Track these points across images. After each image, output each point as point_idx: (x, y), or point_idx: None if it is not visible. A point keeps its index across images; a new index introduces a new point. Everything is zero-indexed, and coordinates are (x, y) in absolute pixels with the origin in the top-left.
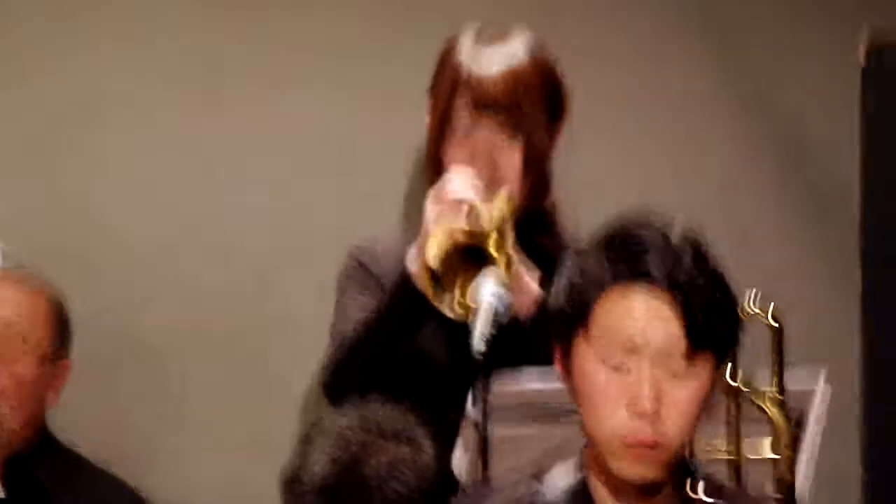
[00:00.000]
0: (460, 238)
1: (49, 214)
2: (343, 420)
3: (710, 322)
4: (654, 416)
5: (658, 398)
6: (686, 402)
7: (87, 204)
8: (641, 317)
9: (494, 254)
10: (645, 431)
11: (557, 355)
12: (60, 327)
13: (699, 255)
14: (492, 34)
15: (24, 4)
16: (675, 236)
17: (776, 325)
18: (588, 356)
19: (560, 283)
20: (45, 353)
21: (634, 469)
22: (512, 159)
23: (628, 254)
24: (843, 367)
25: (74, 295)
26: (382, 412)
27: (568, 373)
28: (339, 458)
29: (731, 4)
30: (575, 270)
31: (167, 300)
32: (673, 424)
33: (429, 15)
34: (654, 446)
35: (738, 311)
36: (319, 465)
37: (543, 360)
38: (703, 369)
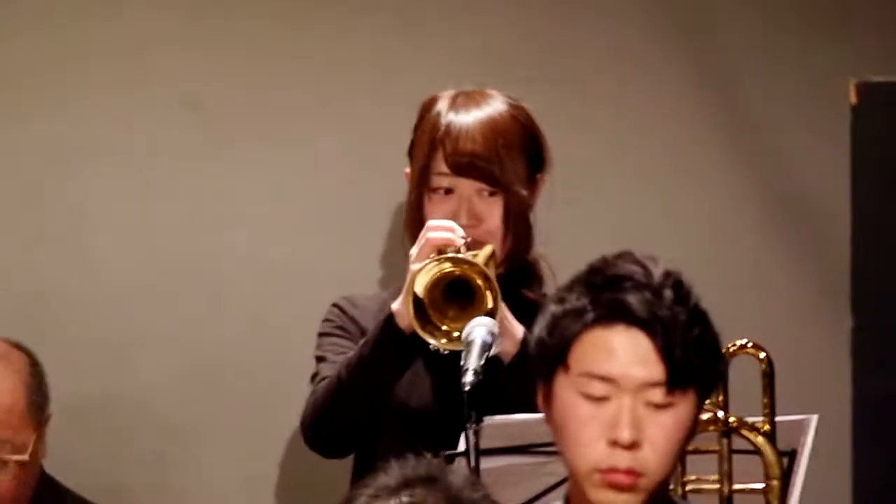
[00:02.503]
0: (449, 268)
1: (40, 257)
2: (389, 479)
3: (691, 358)
4: (633, 447)
5: (637, 429)
6: (666, 434)
7: (78, 248)
8: (621, 353)
9: (481, 285)
10: (623, 461)
11: (540, 392)
12: (40, 396)
13: (680, 291)
14: (469, 93)
15: (17, 47)
16: (657, 273)
17: (765, 358)
18: (568, 391)
19: (542, 319)
20: (36, 443)
21: (614, 500)
22: (493, 214)
23: (609, 290)
24: (833, 405)
25: (66, 335)
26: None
27: (549, 409)
28: None
29: (721, 48)
30: (557, 307)
31: (157, 342)
32: (652, 455)
33: (420, 74)
34: (632, 476)
35: (720, 347)
36: None
37: (526, 401)
38: (684, 403)
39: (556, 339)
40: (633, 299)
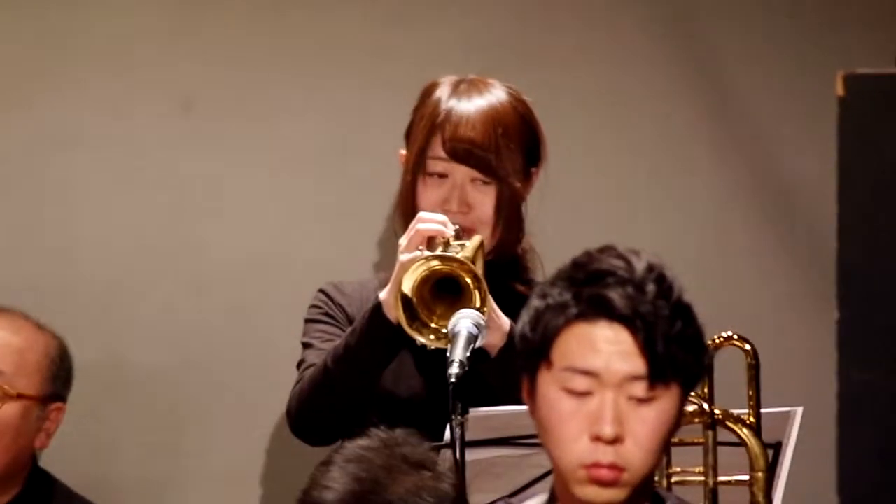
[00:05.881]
0: (435, 265)
1: (27, 247)
2: (365, 442)
3: (673, 352)
4: (616, 441)
5: (619, 424)
6: (649, 428)
7: (65, 237)
8: (603, 348)
9: (469, 283)
10: (606, 456)
11: (524, 387)
12: (54, 369)
13: (663, 285)
14: (471, 80)
15: (2, 35)
16: (639, 267)
17: (751, 350)
18: (551, 386)
19: (525, 314)
20: (29, 398)
21: (598, 495)
22: (485, 203)
23: (591, 285)
24: (818, 397)
25: (53, 327)
26: (404, 439)
27: (533, 404)
28: (363, 479)
29: (708, 40)
30: (540, 302)
31: (145, 333)
32: (635, 450)
33: (407, 61)
34: (615, 471)
35: (704, 340)
36: (341, 483)
37: (512, 395)
38: (667, 397)
39: (538, 334)
40: (615, 295)
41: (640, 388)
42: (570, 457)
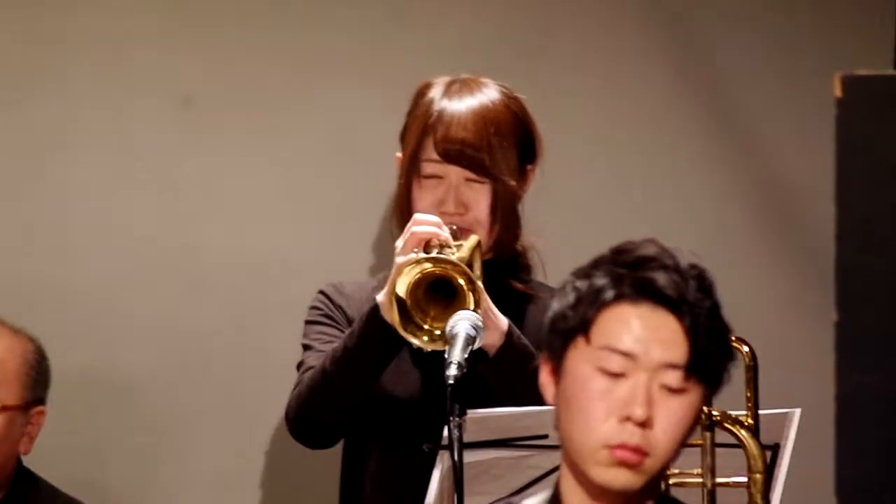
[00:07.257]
0: (429, 268)
1: (22, 249)
2: None
3: (711, 348)
4: (645, 425)
5: (651, 407)
6: (676, 419)
7: (61, 239)
8: (646, 332)
9: (463, 284)
10: (634, 437)
11: (545, 368)
12: (34, 375)
13: (704, 282)
14: (464, 80)
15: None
16: (682, 260)
17: (749, 351)
18: (584, 365)
19: (564, 295)
20: (13, 408)
21: (617, 477)
22: (481, 203)
23: (639, 269)
24: (816, 399)
25: (48, 329)
26: None
27: (557, 383)
28: None
29: (706, 41)
30: (582, 283)
31: (141, 335)
32: (662, 437)
33: (406, 60)
34: (640, 454)
35: (732, 347)
36: None
37: (510, 392)
38: (694, 393)
39: (579, 312)
40: (662, 279)
41: (674, 378)
42: (594, 436)
